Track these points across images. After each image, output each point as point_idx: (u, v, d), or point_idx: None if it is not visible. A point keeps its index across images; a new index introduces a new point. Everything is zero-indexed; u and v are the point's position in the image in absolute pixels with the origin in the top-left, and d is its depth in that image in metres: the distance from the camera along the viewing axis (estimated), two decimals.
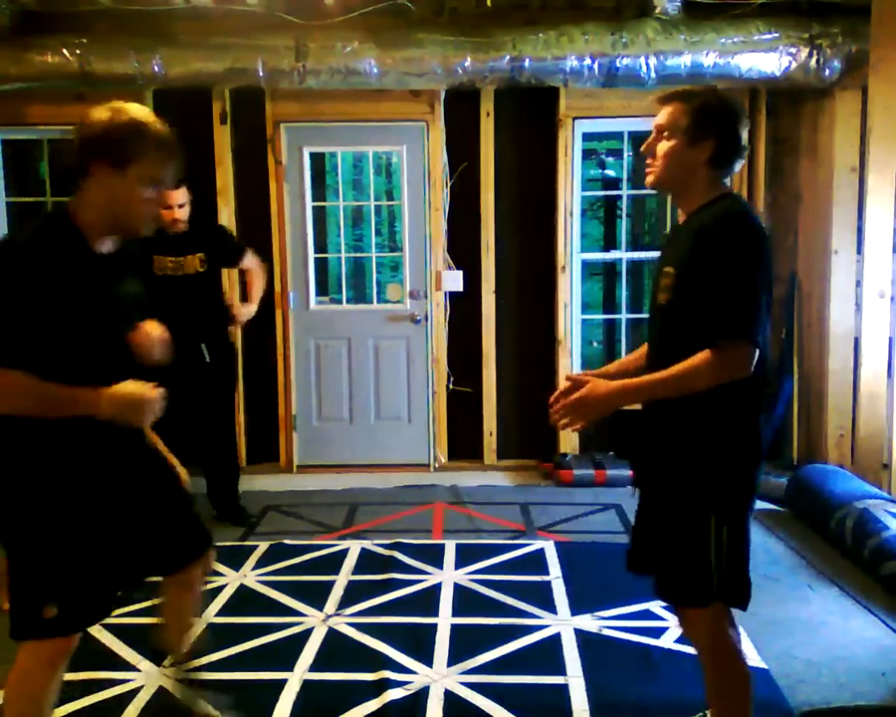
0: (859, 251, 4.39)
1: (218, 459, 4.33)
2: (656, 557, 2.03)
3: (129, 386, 1.79)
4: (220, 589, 3.42)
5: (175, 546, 2.09)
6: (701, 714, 2.30)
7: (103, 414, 1.76)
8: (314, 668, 2.79)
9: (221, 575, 3.56)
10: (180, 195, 3.91)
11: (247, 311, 4.28)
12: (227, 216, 4.96)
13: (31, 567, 1.85)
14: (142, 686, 2.65)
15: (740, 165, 2.02)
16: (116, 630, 2.97)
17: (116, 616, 2.89)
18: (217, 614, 3.21)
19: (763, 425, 1.96)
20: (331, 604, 3.28)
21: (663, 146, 1.96)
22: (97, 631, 2.92)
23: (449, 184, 5.10)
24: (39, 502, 1.82)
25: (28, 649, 1.87)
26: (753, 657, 2.79)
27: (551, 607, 3.23)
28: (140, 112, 1.86)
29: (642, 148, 2.03)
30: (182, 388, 3.60)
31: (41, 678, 1.89)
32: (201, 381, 4.11)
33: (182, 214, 3.94)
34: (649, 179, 2.02)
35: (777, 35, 4.47)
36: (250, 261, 4.29)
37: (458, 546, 3.89)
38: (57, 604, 1.82)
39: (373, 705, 2.54)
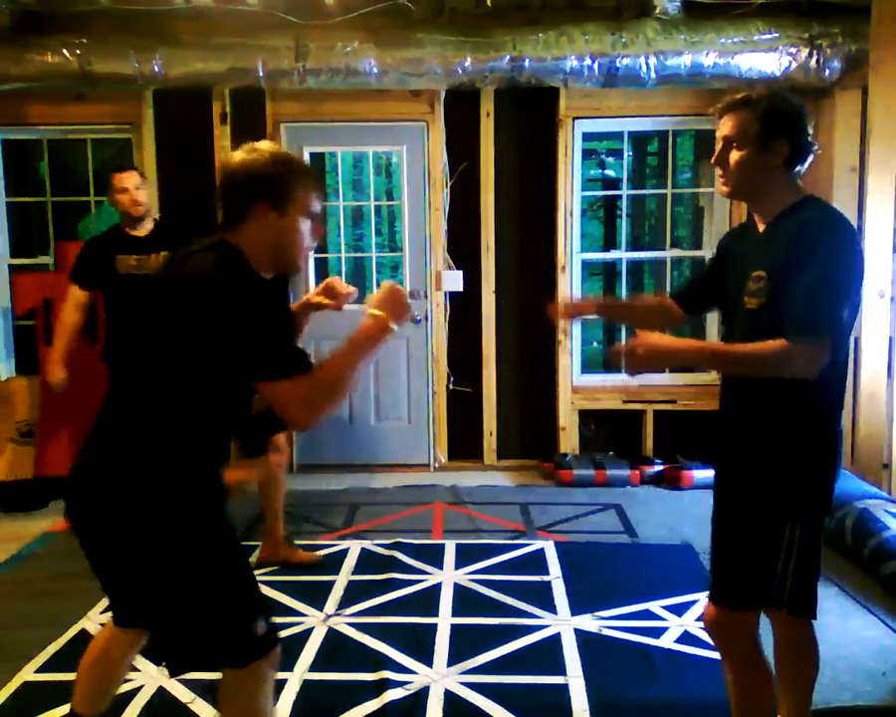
0: None
1: None
2: (722, 560, 2.01)
3: (380, 293, 1.80)
4: None
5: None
6: None
7: (391, 329, 1.77)
8: (314, 668, 2.79)
9: None
10: (131, 177, 3.89)
11: None
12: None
13: (224, 596, 1.78)
14: (142, 686, 2.65)
15: (809, 162, 1.98)
16: None
17: None
18: None
19: (841, 431, 1.94)
20: (331, 604, 3.28)
21: (735, 156, 1.91)
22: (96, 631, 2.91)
23: (449, 184, 5.10)
24: (207, 537, 1.79)
25: (247, 673, 1.79)
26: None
27: (551, 607, 3.23)
28: (276, 146, 1.87)
29: (713, 160, 1.98)
30: None
31: (265, 693, 1.85)
32: None
33: (141, 196, 3.90)
34: (723, 190, 1.99)
35: (776, 35, 4.47)
36: None
37: (458, 546, 3.89)
38: (262, 617, 1.80)
39: (373, 705, 2.54)
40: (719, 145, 1.97)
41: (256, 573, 2.00)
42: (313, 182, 1.83)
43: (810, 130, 1.94)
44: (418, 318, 5.20)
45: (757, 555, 1.93)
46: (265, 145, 1.83)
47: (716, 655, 2.70)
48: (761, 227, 1.98)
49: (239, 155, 1.81)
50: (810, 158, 1.95)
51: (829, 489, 1.93)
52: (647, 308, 2.36)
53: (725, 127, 1.94)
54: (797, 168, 1.93)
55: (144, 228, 3.96)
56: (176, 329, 1.68)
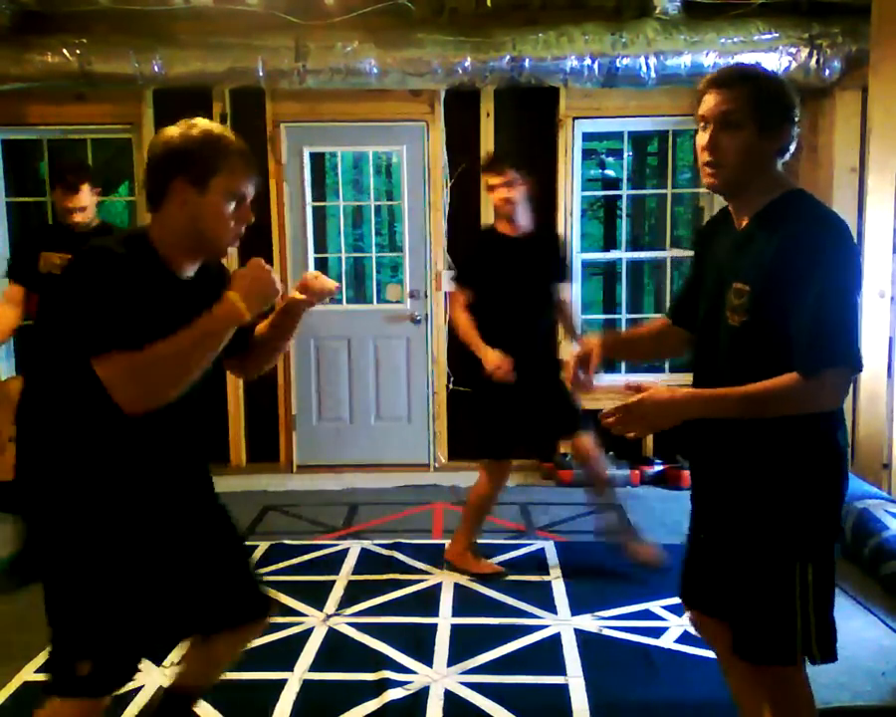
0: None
1: None
2: (733, 608, 1.78)
3: (241, 271, 1.68)
4: None
5: (226, 609, 1.94)
6: None
7: (242, 315, 1.64)
8: (314, 668, 2.79)
9: None
10: (84, 197, 3.47)
11: None
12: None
13: (71, 616, 1.71)
14: (142, 686, 2.65)
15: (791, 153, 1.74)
16: None
17: None
18: None
19: (846, 451, 1.73)
20: (331, 604, 3.28)
21: (732, 141, 1.64)
22: None
23: (449, 184, 5.09)
24: (91, 549, 1.69)
25: (54, 706, 1.72)
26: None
27: (551, 607, 3.23)
28: (212, 124, 1.75)
29: (705, 145, 1.68)
30: None
31: None
32: None
33: (84, 217, 3.48)
34: (712, 182, 1.71)
35: (777, 35, 4.47)
36: None
37: None
38: (91, 661, 1.68)
39: (373, 705, 2.54)
40: (707, 126, 1.68)
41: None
42: (242, 161, 1.72)
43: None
44: (418, 318, 5.20)
45: (771, 603, 1.70)
46: (199, 121, 1.73)
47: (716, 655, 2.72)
48: (740, 223, 1.75)
49: (168, 130, 1.72)
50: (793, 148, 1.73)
51: (835, 518, 1.72)
52: (650, 334, 2.14)
53: (722, 102, 1.65)
54: (784, 157, 1.71)
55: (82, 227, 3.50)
56: (46, 315, 1.72)
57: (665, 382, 5.12)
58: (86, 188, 3.49)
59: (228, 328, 1.65)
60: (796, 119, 1.69)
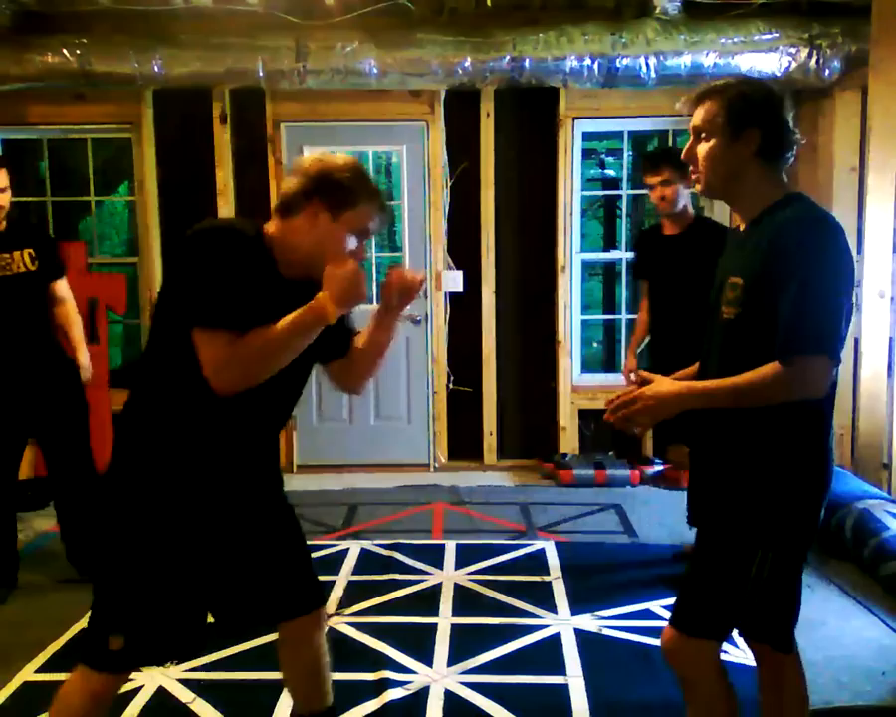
0: (859, 251, 4.39)
1: (66, 489, 3.61)
2: (685, 579, 1.88)
3: (332, 271, 1.70)
4: None
5: (278, 599, 1.98)
6: None
7: (327, 314, 1.68)
8: None
9: None
10: (2, 177, 3.29)
11: (84, 364, 3.58)
12: (227, 216, 4.96)
13: (114, 590, 1.78)
14: (142, 686, 2.65)
15: (792, 156, 1.80)
16: None
17: None
18: None
19: (832, 452, 1.76)
20: (331, 604, 3.28)
21: (703, 149, 1.78)
22: None
23: (449, 184, 5.10)
24: (154, 526, 1.75)
25: (79, 674, 1.79)
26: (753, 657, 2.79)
27: (551, 607, 3.23)
28: (354, 161, 1.83)
29: (682, 155, 1.85)
30: (13, 403, 3.36)
31: (80, 710, 1.80)
32: (34, 399, 3.44)
33: (4, 200, 3.29)
34: (697, 187, 1.84)
35: (777, 35, 4.47)
36: (65, 289, 3.56)
37: (458, 546, 3.89)
38: (125, 637, 1.74)
39: (373, 705, 2.55)
40: (690, 139, 1.84)
41: None
42: (376, 203, 1.80)
43: (789, 120, 1.79)
44: (418, 318, 5.20)
45: (719, 581, 1.78)
46: (345, 156, 1.83)
47: None
48: (742, 228, 1.85)
49: (318, 155, 1.84)
50: (793, 152, 1.79)
51: (812, 518, 1.76)
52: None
53: (695, 117, 1.81)
54: (779, 162, 1.78)
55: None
56: (164, 287, 1.79)
57: None
58: (4, 170, 3.31)
59: (315, 324, 1.70)
60: (775, 121, 1.76)
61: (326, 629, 2.08)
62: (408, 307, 2.02)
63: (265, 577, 1.95)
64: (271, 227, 1.80)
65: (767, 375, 1.65)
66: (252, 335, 1.64)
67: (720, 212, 5.13)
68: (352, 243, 1.78)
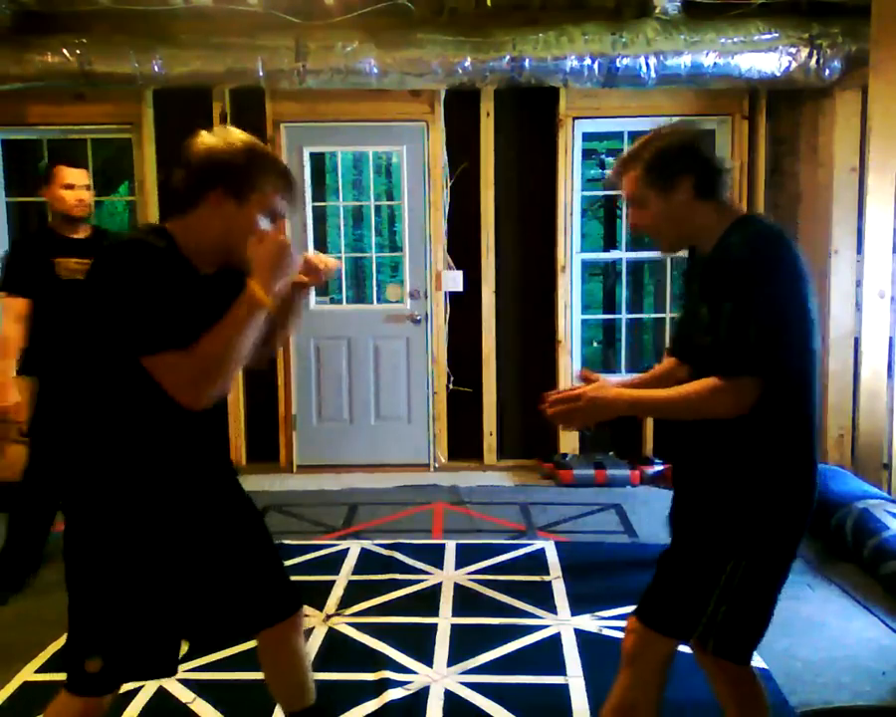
0: (859, 251, 4.39)
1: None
2: (655, 577, 1.88)
3: (256, 249, 1.65)
4: None
5: (254, 608, 1.94)
6: None
7: (263, 301, 1.63)
8: (314, 668, 2.75)
9: None
10: (83, 175, 3.43)
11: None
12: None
13: (87, 612, 1.74)
14: (142, 686, 2.65)
15: (730, 178, 1.83)
16: None
17: None
18: None
19: (813, 470, 1.75)
20: (331, 604, 3.28)
21: (645, 216, 1.82)
22: None
23: (449, 184, 5.10)
24: (119, 546, 1.71)
25: (62, 698, 1.76)
26: (753, 657, 2.78)
27: (551, 607, 3.23)
28: (253, 138, 1.75)
29: (630, 227, 1.89)
30: None
31: None
32: None
33: (88, 197, 3.44)
34: (662, 250, 1.89)
35: (776, 35, 4.47)
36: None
37: (458, 546, 3.89)
38: (102, 659, 1.71)
39: (373, 705, 2.54)
40: (630, 208, 1.87)
41: None
42: (284, 181, 1.74)
43: (713, 153, 1.83)
44: (418, 318, 5.20)
45: (686, 585, 1.79)
46: (239, 133, 1.73)
47: None
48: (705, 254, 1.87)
49: (207, 137, 1.71)
50: (729, 175, 1.82)
51: (789, 530, 1.75)
52: (660, 376, 2.10)
53: (623, 189, 1.84)
54: (719, 192, 1.79)
55: (83, 231, 3.47)
56: (84, 314, 1.67)
57: None
58: (84, 170, 3.43)
59: (253, 313, 1.64)
60: (702, 161, 1.78)
61: (303, 631, 2.06)
62: (321, 283, 1.95)
63: (238, 586, 1.90)
64: (174, 227, 1.72)
65: (701, 391, 1.67)
66: (202, 346, 1.59)
67: None
68: (265, 224, 1.71)
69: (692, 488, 1.86)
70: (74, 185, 3.39)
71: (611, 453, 5.10)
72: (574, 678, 2.69)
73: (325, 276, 1.92)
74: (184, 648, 1.91)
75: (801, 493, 1.75)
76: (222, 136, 1.71)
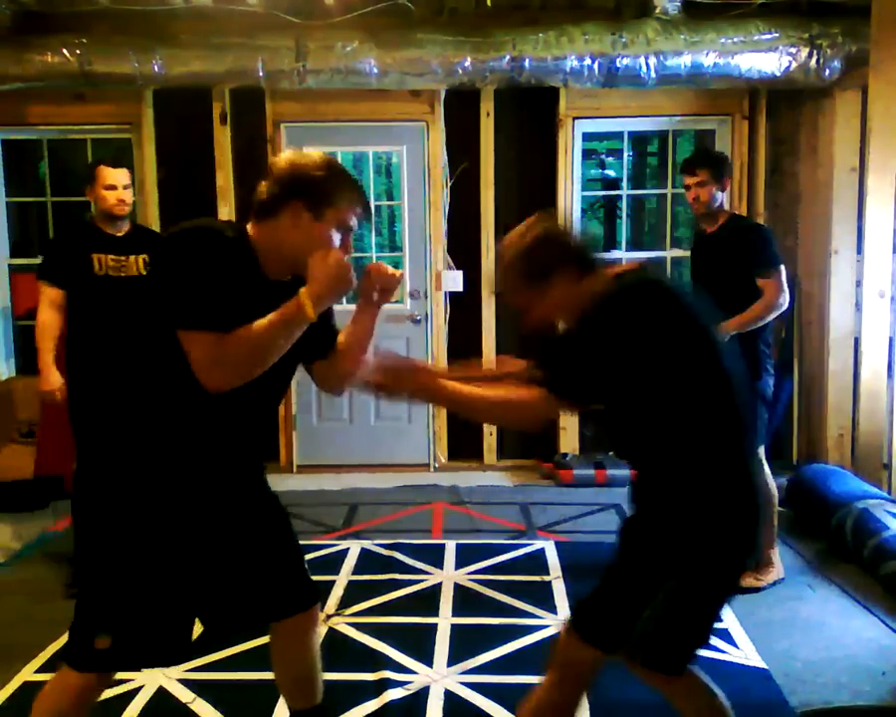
0: (859, 251, 4.39)
1: None
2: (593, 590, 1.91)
3: (317, 263, 1.70)
4: None
5: (270, 598, 1.97)
6: None
7: (307, 313, 1.68)
8: None
9: None
10: (125, 175, 3.52)
11: None
12: (227, 216, 4.95)
13: (100, 589, 1.77)
14: (142, 686, 2.65)
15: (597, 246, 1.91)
16: None
17: None
18: None
19: (748, 496, 1.78)
20: (331, 604, 3.28)
21: (537, 315, 1.88)
22: None
23: (449, 184, 5.10)
24: (135, 524, 1.74)
25: (62, 675, 1.80)
26: (753, 657, 2.79)
27: (551, 607, 3.23)
28: (332, 158, 1.84)
29: (524, 331, 1.89)
30: None
31: (63, 711, 1.80)
32: None
33: (128, 196, 3.53)
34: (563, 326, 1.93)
35: (776, 35, 4.47)
36: None
37: (458, 546, 3.89)
38: (111, 637, 1.73)
39: (373, 705, 2.54)
40: (524, 316, 1.92)
41: None
42: (357, 197, 1.81)
43: (573, 234, 1.88)
44: (418, 318, 5.20)
45: (624, 601, 1.83)
46: (318, 153, 1.83)
47: (716, 655, 2.72)
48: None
49: (290, 155, 1.84)
50: (597, 244, 1.92)
51: (727, 553, 1.78)
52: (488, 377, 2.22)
53: (513, 302, 1.91)
54: (583, 260, 1.84)
55: (122, 228, 3.57)
56: (145, 283, 1.80)
57: None
58: (126, 169, 3.53)
59: (296, 319, 1.69)
60: (571, 247, 1.85)
61: (318, 628, 2.08)
62: (390, 302, 2.02)
63: (256, 575, 1.94)
64: (251, 228, 1.80)
65: (513, 396, 1.84)
66: (237, 333, 1.65)
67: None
68: (337, 239, 1.78)
69: (640, 506, 1.93)
70: (115, 186, 3.49)
71: (611, 453, 5.09)
72: None
73: (390, 293, 1.98)
74: (196, 631, 1.92)
75: (737, 517, 1.77)
76: (302, 155, 1.82)
